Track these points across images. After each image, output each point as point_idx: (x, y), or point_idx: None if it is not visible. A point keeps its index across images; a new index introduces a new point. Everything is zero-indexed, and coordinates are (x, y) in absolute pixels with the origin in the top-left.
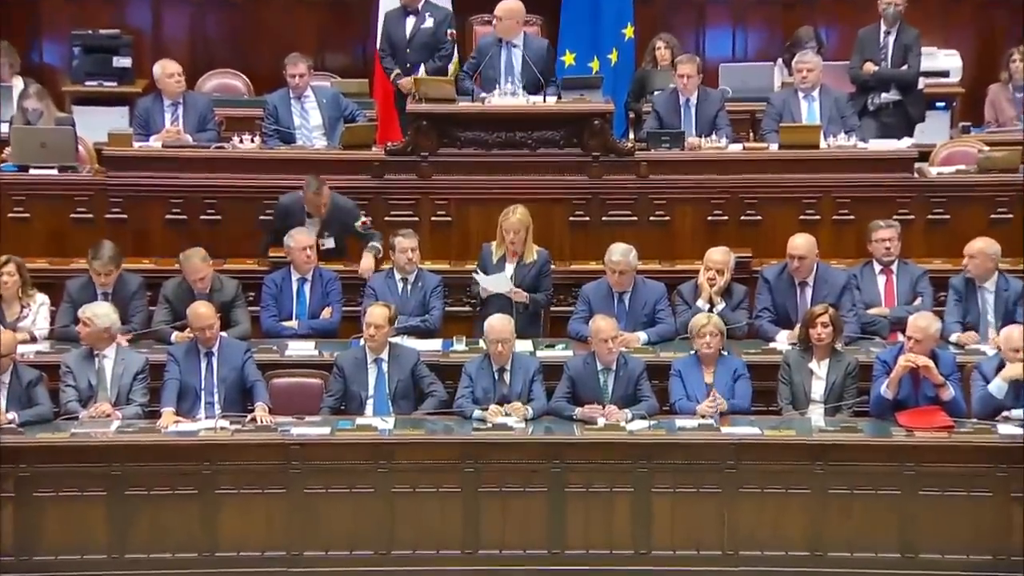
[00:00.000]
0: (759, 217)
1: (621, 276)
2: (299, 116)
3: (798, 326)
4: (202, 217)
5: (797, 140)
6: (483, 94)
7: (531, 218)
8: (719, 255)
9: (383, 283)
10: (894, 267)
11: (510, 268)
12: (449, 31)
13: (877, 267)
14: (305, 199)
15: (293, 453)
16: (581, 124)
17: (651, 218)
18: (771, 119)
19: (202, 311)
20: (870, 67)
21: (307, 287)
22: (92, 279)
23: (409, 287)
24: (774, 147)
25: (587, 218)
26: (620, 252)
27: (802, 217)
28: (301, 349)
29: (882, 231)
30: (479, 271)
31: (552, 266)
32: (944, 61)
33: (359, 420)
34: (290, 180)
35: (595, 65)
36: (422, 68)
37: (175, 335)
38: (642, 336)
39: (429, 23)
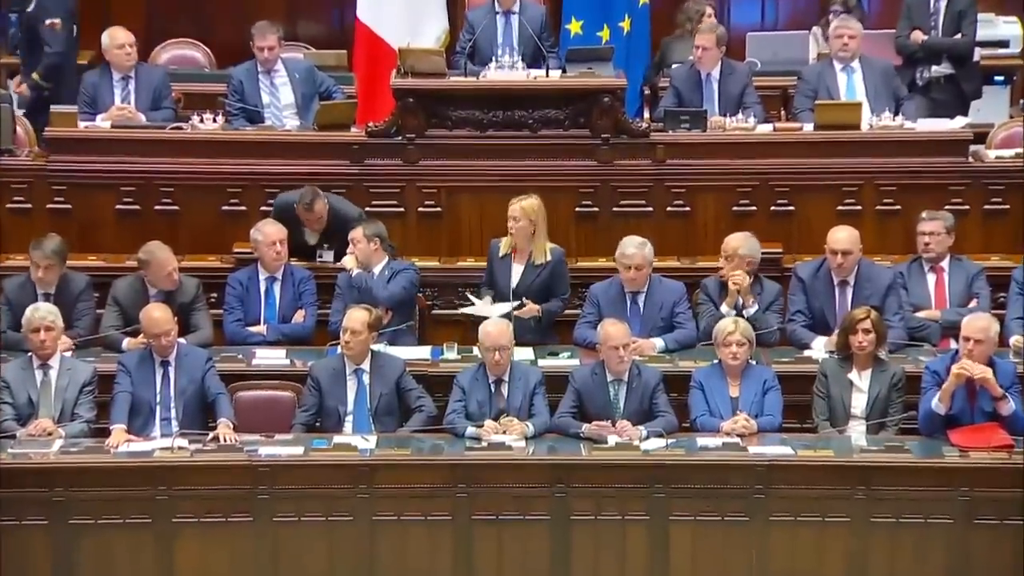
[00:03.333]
0: (792, 207)
1: (637, 272)
2: (268, 93)
3: (836, 331)
4: (157, 207)
5: (835, 119)
6: (477, 68)
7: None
8: (739, 240)
9: (347, 278)
10: (945, 264)
11: (518, 269)
12: (49, 20)
13: (926, 264)
14: (298, 213)
15: (261, 476)
16: (589, 101)
17: (669, 208)
18: (805, 96)
19: (157, 315)
20: (918, 36)
21: (277, 287)
22: (31, 278)
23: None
24: (808, 127)
25: (596, 208)
26: (634, 244)
27: (841, 207)
28: (270, 358)
29: (924, 224)
30: (483, 288)
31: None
32: (1003, 29)
33: (336, 438)
34: (257, 165)
35: (605, 34)
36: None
37: (126, 342)
38: (658, 343)
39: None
